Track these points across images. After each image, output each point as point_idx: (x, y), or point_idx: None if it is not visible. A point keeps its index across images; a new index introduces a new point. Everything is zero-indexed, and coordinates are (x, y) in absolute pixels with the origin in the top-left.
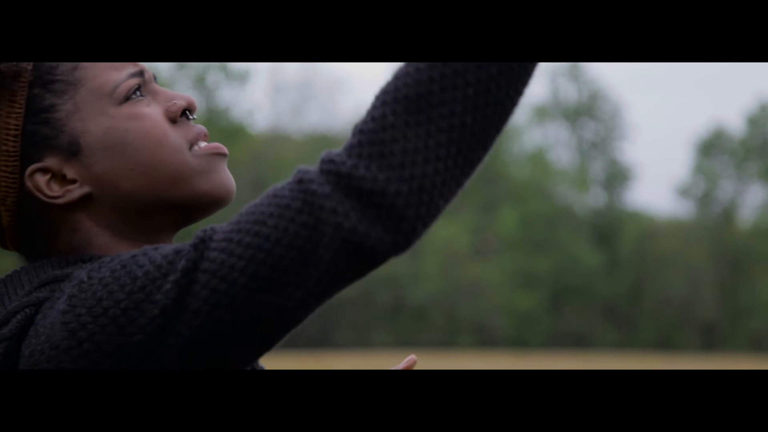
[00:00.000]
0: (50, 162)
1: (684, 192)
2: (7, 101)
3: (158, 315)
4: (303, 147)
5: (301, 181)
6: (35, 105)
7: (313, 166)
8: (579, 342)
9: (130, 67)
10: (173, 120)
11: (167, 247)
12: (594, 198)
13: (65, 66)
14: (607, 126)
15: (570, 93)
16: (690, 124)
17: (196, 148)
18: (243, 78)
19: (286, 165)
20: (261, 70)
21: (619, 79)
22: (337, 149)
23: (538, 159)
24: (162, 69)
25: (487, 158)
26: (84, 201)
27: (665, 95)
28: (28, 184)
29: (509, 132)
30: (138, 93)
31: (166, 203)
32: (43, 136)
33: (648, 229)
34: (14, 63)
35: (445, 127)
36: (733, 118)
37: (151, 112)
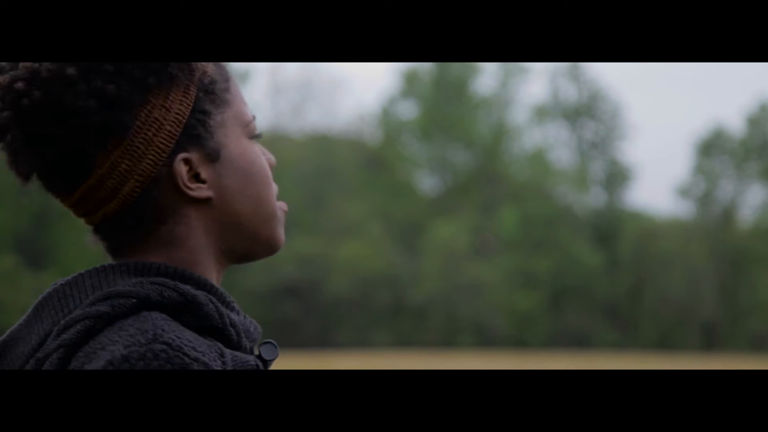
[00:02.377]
0: (194, 157)
1: (684, 192)
2: (181, 92)
3: None
4: (303, 147)
5: None
6: (199, 105)
7: None
8: (579, 342)
9: (249, 108)
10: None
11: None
12: (594, 198)
13: (221, 85)
14: (607, 126)
15: (570, 93)
16: (690, 124)
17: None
18: (243, 78)
19: (286, 165)
20: (261, 70)
21: (619, 79)
22: None
23: (538, 159)
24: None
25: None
26: (203, 202)
27: (665, 95)
28: (175, 167)
29: (509, 132)
30: (257, 136)
31: (254, 235)
32: (198, 132)
33: (648, 229)
34: (192, 63)
35: None
36: (733, 118)
37: (261, 155)
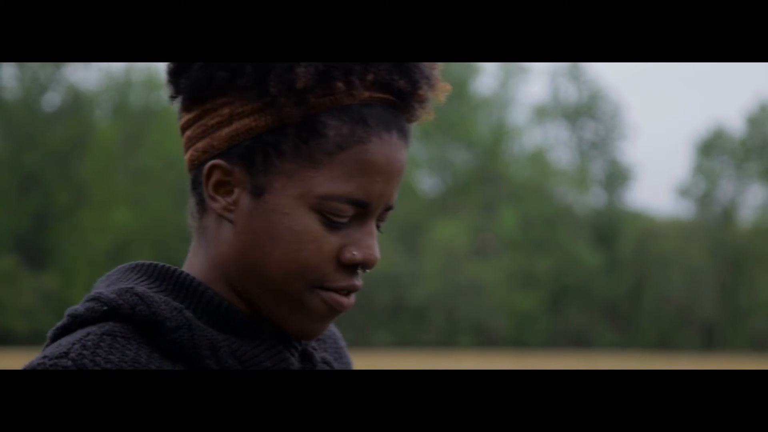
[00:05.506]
0: (237, 173)
1: (684, 192)
2: (266, 112)
3: None
4: None
5: None
6: (275, 140)
7: None
8: (579, 342)
9: (360, 191)
10: (340, 263)
11: None
12: (594, 198)
13: (326, 145)
14: (607, 126)
15: (570, 93)
16: (690, 124)
17: (327, 293)
18: None
19: None
20: None
21: (619, 79)
22: None
23: (538, 159)
24: (163, 69)
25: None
26: (225, 222)
27: (665, 95)
28: (206, 167)
29: (509, 132)
30: (336, 222)
31: (249, 297)
32: (252, 159)
33: (648, 229)
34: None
35: None
36: (733, 118)
37: (325, 240)
